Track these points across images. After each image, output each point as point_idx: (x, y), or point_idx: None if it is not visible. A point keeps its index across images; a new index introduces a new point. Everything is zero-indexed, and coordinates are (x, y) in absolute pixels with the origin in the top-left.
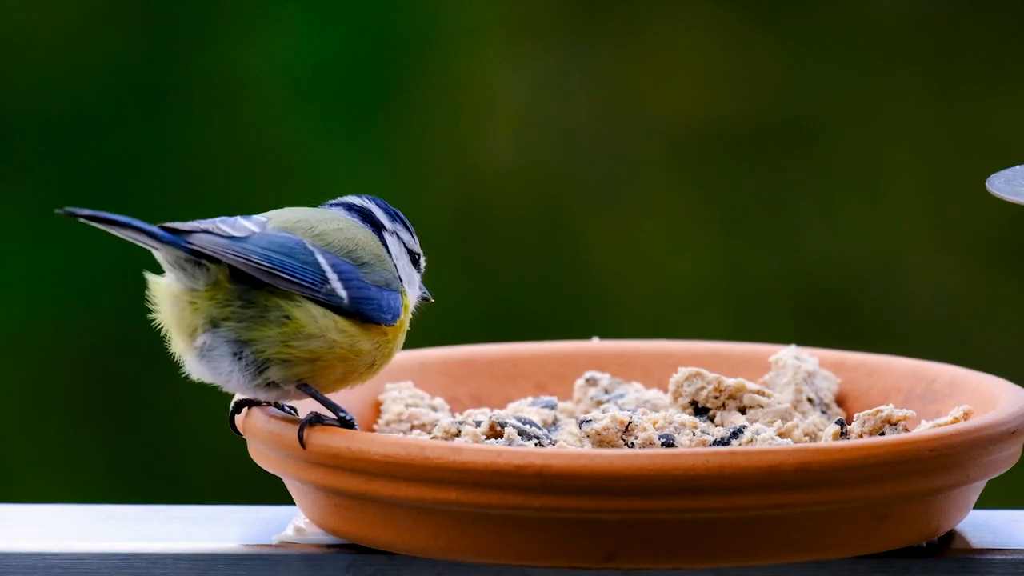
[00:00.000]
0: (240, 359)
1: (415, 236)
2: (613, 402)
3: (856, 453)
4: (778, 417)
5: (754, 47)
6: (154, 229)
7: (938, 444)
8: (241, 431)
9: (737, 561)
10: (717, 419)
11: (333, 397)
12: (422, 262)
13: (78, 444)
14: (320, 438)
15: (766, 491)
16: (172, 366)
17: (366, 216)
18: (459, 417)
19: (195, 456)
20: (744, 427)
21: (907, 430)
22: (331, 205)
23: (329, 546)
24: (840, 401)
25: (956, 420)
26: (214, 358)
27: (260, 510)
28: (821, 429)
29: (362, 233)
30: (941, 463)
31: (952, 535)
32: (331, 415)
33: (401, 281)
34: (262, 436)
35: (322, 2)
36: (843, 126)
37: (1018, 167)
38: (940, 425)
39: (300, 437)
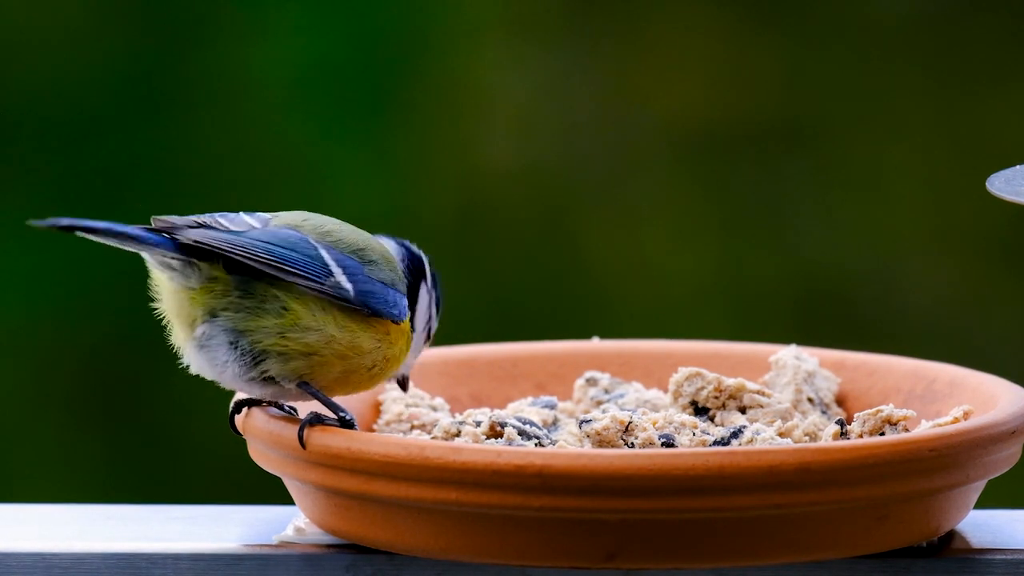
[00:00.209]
0: (236, 348)
1: (437, 321)
2: (613, 402)
3: (856, 453)
4: (778, 417)
5: (754, 47)
6: (138, 232)
7: (938, 444)
8: (241, 431)
9: (737, 561)
10: (717, 419)
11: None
12: (426, 345)
13: (78, 444)
14: (320, 438)
15: (766, 491)
16: (172, 366)
17: (413, 259)
18: (459, 417)
19: (195, 456)
20: (744, 427)
21: (907, 430)
22: (384, 236)
23: (329, 546)
24: (840, 401)
25: (956, 420)
26: (212, 348)
27: (260, 510)
28: (821, 429)
29: (376, 244)
30: (941, 463)
31: (952, 535)
32: (331, 415)
33: (413, 312)
34: (262, 436)
35: (322, 2)
36: (843, 126)
37: (1018, 167)
38: (940, 425)
39: (300, 437)
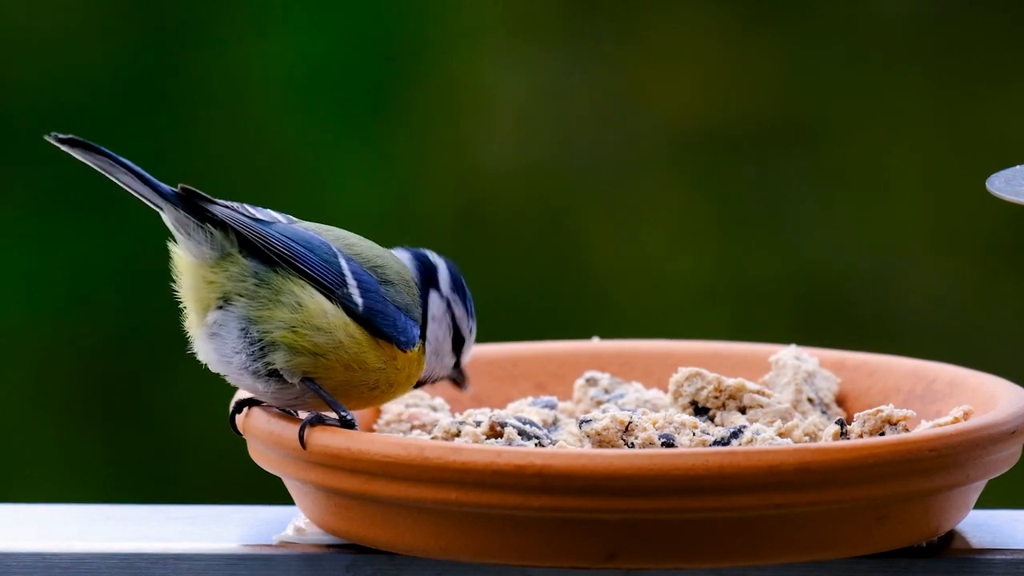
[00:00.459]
0: (246, 337)
1: (471, 320)
2: (613, 402)
3: (856, 453)
4: (778, 417)
5: (754, 47)
6: (154, 180)
7: (938, 444)
8: (241, 431)
9: (737, 561)
10: (717, 419)
11: None
12: (466, 346)
13: (78, 444)
14: (320, 438)
15: (766, 491)
16: (172, 366)
17: (426, 269)
18: (459, 417)
19: (195, 456)
20: (744, 427)
21: (907, 430)
22: (402, 248)
23: (329, 546)
24: (840, 401)
25: (956, 420)
26: (222, 335)
27: (260, 510)
28: (821, 429)
29: (395, 263)
30: (941, 463)
31: (952, 535)
32: (332, 414)
33: (424, 332)
34: (262, 436)
35: (322, 2)
36: (843, 126)
37: (1018, 167)
38: (940, 425)
39: (300, 437)
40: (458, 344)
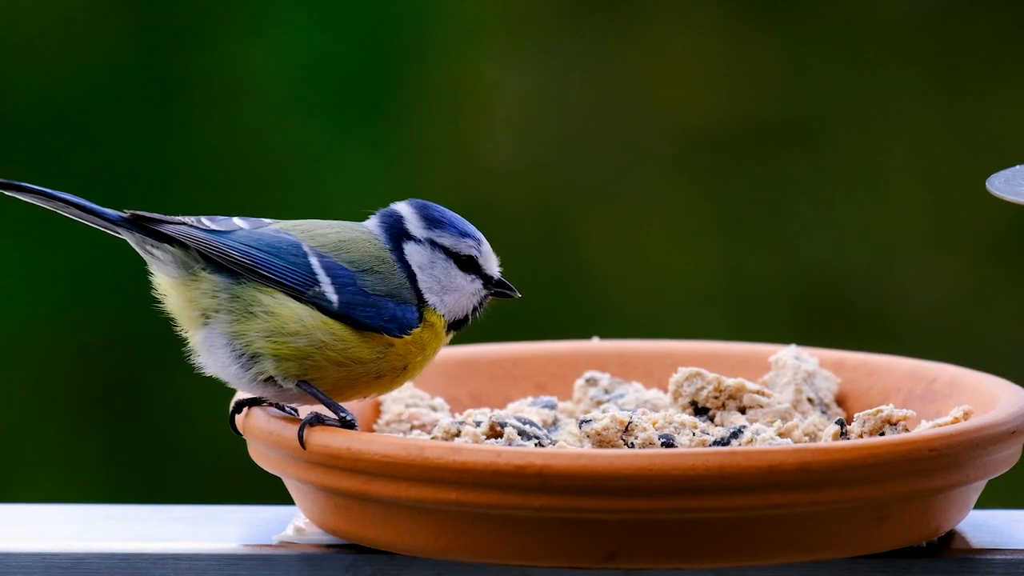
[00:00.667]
0: (232, 350)
1: (468, 237)
2: (613, 402)
3: (856, 453)
4: (778, 417)
5: (754, 47)
6: (103, 209)
7: (938, 444)
8: (241, 431)
9: (737, 561)
10: (717, 419)
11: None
12: (482, 261)
13: (78, 444)
14: (320, 438)
15: (766, 491)
16: (172, 366)
17: (394, 224)
18: (459, 417)
19: (195, 456)
20: (744, 427)
21: (907, 430)
22: (374, 216)
23: (329, 546)
24: (840, 401)
25: (956, 420)
26: (214, 350)
27: (260, 510)
28: (821, 429)
29: (367, 242)
30: (941, 463)
31: (952, 535)
32: (332, 415)
33: (420, 293)
34: (262, 436)
35: (322, 2)
36: (843, 126)
37: (1018, 167)
38: (940, 425)
39: (300, 437)
40: (470, 267)
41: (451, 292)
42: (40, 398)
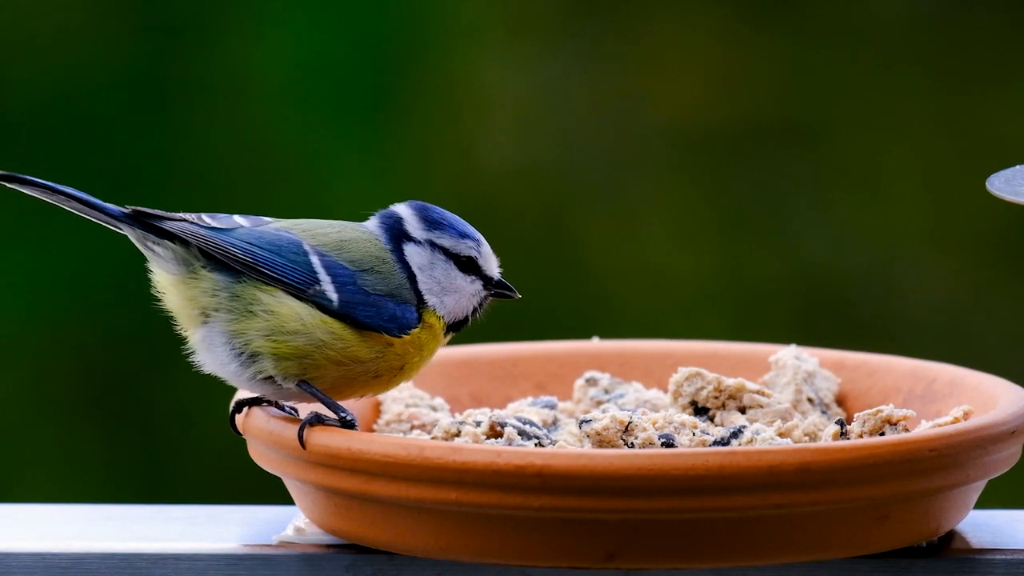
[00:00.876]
0: (232, 348)
1: (468, 239)
2: (613, 402)
3: (856, 453)
4: (778, 417)
5: (754, 47)
6: (105, 204)
7: (938, 444)
8: (241, 431)
9: (737, 561)
10: (717, 419)
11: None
12: (482, 262)
13: (78, 444)
14: (320, 438)
15: (766, 491)
16: (172, 366)
17: (393, 226)
18: (459, 417)
19: (195, 456)
20: (744, 427)
21: (907, 430)
22: (375, 217)
23: (329, 546)
24: (840, 401)
25: (956, 420)
26: (213, 348)
27: (260, 510)
28: (821, 429)
29: (368, 243)
30: (941, 463)
31: (952, 535)
32: (332, 415)
33: (420, 294)
34: (262, 436)
35: (322, 2)
36: (843, 126)
37: (1018, 167)
38: (940, 425)
39: (300, 437)
40: (470, 268)
41: (451, 293)
42: (40, 398)
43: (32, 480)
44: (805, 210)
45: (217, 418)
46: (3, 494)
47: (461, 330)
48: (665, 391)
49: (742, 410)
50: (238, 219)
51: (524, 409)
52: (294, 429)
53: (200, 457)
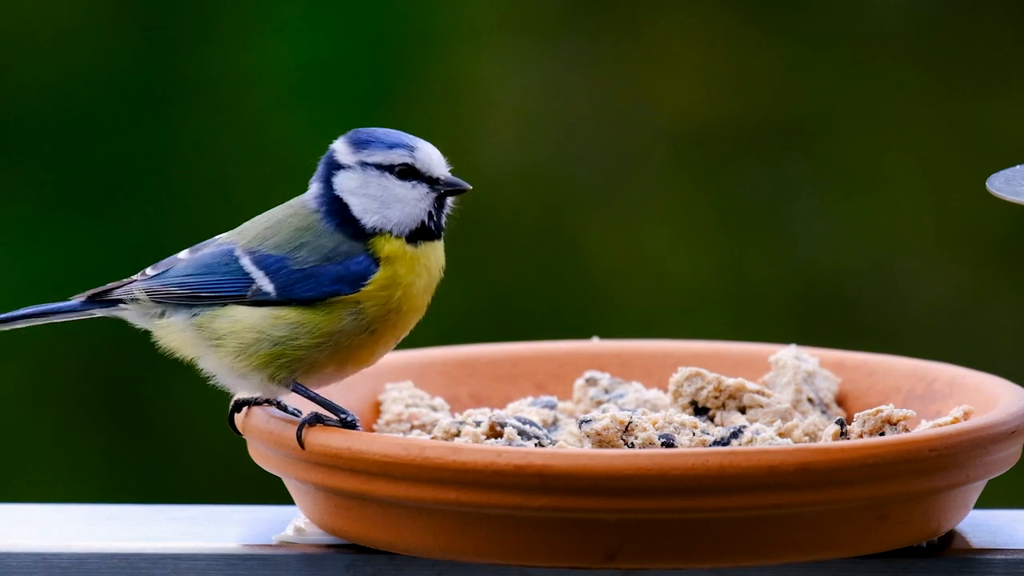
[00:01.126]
0: (234, 374)
1: (401, 148)
2: (613, 402)
3: (856, 453)
4: (778, 417)
5: (754, 47)
6: (61, 305)
7: (938, 444)
8: (241, 431)
9: (737, 561)
10: (717, 419)
11: (331, 391)
12: (420, 167)
13: (78, 444)
14: (319, 438)
15: (766, 491)
16: (172, 366)
17: (329, 163)
18: (459, 417)
19: (195, 456)
20: (744, 427)
21: (907, 430)
22: (315, 176)
23: (329, 546)
24: (840, 401)
25: (956, 420)
26: (221, 378)
27: (260, 510)
28: (821, 429)
29: (294, 216)
30: (941, 463)
31: (952, 535)
32: (332, 415)
33: (358, 222)
34: (262, 436)
35: (322, 2)
36: (843, 126)
37: (1018, 167)
38: (940, 425)
39: (298, 437)
40: (408, 175)
41: (392, 205)
42: (40, 398)
43: (32, 480)
44: (805, 210)
45: (217, 418)
46: (3, 494)
47: (432, 237)
48: (665, 391)
49: (742, 410)
50: (180, 255)
51: (524, 409)
52: (294, 429)
53: (200, 457)
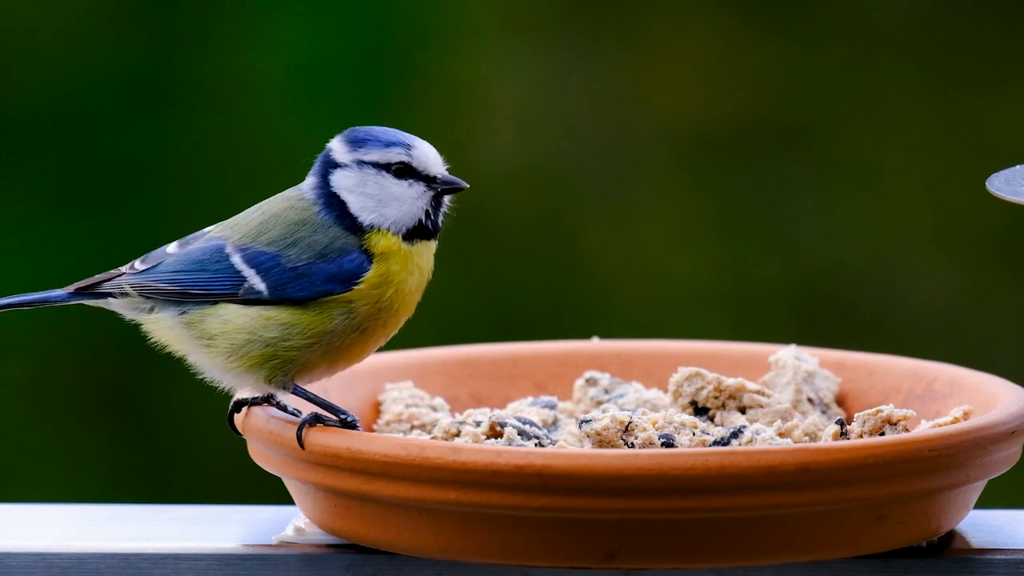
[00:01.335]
0: (227, 373)
1: (400, 144)
2: (613, 402)
3: (856, 453)
4: (778, 417)
5: (754, 47)
6: (48, 295)
7: (938, 444)
8: (241, 431)
9: (737, 561)
10: (717, 419)
11: (331, 392)
12: (416, 165)
13: (78, 444)
14: (319, 438)
15: (766, 491)
16: (172, 366)
17: (325, 162)
18: (459, 417)
19: (195, 456)
20: (744, 427)
21: (907, 430)
22: (311, 172)
23: (329, 546)
24: (840, 401)
25: (956, 420)
26: (215, 377)
27: (260, 510)
28: (821, 429)
29: (291, 210)
30: (941, 463)
31: (952, 535)
32: (332, 416)
33: (356, 219)
34: (262, 436)
35: (322, 2)
36: (843, 126)
37: (1018, 167)
38: (940, 425)
39: (298, 437)
40: (405, 173)
41: (389, 203)
42: (40, 398)
43: (32, 480)
44: (805, 210)
45: (218, 418)
46: (3, 494)
47: (429, 236)
48: (665, 391)
49: (742, 410)
50: (170, 248)
51: (524, 409)
52: (293, 429)
53: (200, 457)
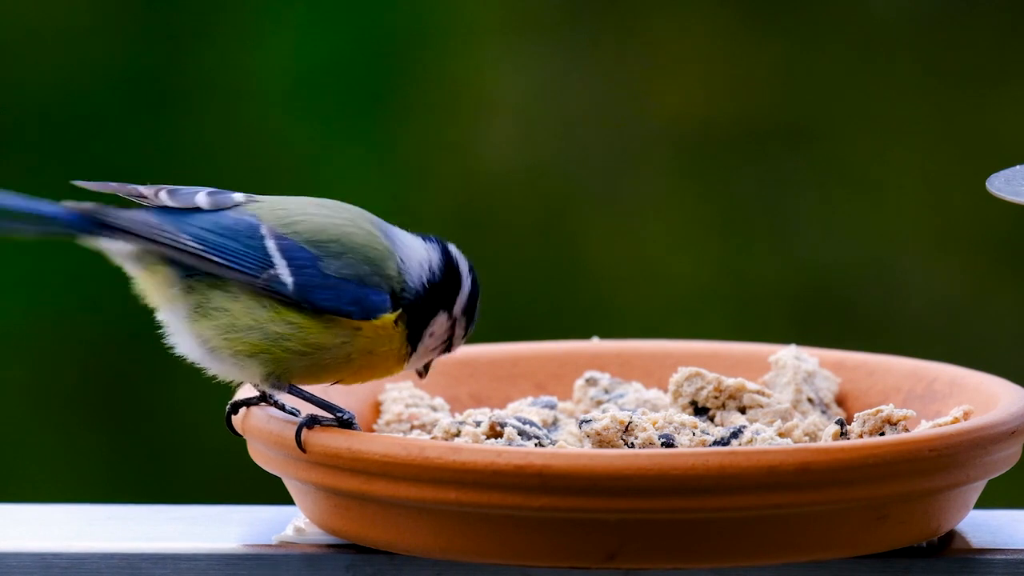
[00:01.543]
0: (198, 346)
1: (465, 338)
2: (613, 402)
3: (856, 453)
4: (778, 417)
5: (754, 47)
6: (43, 209)
7: (938, 444)
8: (240, 431)
9: (737, 561)
10: (717, 419)
11: (331, 392)
12: (446, 355)
13: (79, 444)
14: (319, 438)
15: (766, 491)
16: (173, 366)
17: (448, 281)
18: (459, 417)
19: (195, 456)
20: (744, 427)
21: (907, 430)
22: (431, 240)
23: (329, 546)
24: (840, 401)
25: (956, 420)
26: (180, 343)
27: (260, 510)
28: (821, 429)
29: (366, 235)
30: (941, 463)
31: (952, 535)
32: (329, 416)
33: (420, 336)
34: (261, 436)
35: (322, 2)
36: (843, 126)
37: (1018, 167)
38: (940, 425)
39: (297, 438)
40: (443, 353)
41: (418, 359)
42: (41, 398)
43: (32, 480)
44: (805, 210)
45: (218, 418)
46: (3, 494)
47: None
48: (665, 391)
49: (742, 410)
50: (199, 198)
51: (524, 409)
52: (293, 429)
53: (200, 457)
